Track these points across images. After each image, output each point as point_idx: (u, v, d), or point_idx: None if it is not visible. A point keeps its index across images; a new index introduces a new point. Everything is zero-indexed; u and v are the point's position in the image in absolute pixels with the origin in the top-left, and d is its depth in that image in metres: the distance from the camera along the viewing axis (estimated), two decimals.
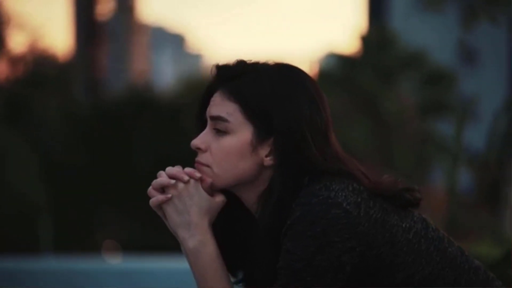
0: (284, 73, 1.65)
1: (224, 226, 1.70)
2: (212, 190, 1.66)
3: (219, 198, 1.67)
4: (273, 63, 1.68)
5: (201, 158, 1.65)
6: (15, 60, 24.53)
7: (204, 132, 1.66)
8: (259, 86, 1.63)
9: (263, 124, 1.62)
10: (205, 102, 1.70)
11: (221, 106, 1.64)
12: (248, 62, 1.68)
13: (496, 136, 4.95)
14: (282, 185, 1.61)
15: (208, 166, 1.65)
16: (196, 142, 1.66)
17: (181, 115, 21.63)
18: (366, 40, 20.27)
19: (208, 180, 1.65)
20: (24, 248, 14.40)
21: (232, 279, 1.73)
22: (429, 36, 23.75)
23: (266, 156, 1.63)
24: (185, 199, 1.65)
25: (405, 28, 22.46)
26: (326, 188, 1.58)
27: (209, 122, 1.66)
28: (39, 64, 25.62)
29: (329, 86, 19.96)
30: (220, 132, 1.64)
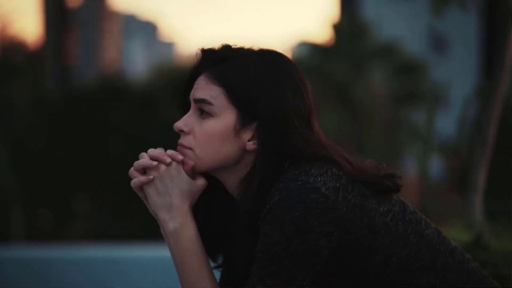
0: (269, 59, 1.66)
1: (204, 209, 1.71)
2: (193, 173, 1.67)
3: (200, 182, 1.67)
4: (258, 49, 1.69)
5: (184, 140, 1.66)
6: None
7: (187, 114, 1.67)
8: (244, 71, 1.63)
9: (247, 108, 1.63)
10: (189, 85, 1.70)
11: (205, 89, 1.65)
12: (233, 47, 1.68)
13: (466, 122, 4.98)
14: (263, 170, 1.61)
15: (190, 148, 1.65)
16: (179, 124, 1.66)
17: (153, 102, 21.58)
18: (338, 29, 20.32)
19: (190, 162, 1.65)
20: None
21: (212, 264, 1.73)
22: (401, 24, 23.86)
23: (249, 140, 1.64)
24: (166, 181, 1.65)
25: (377, 17, 22.53)
26: (305, 173, 1.58)
27: (192, 105, 1.67)
28: (8, 51, 25.38)
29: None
30: (204, 115, 1.65)
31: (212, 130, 1.64)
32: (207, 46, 1.71)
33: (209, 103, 1.64)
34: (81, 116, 21.63)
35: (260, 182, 1.61)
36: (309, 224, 1.55)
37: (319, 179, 1.58)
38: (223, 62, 1.65)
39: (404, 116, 18.06)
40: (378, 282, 1.60)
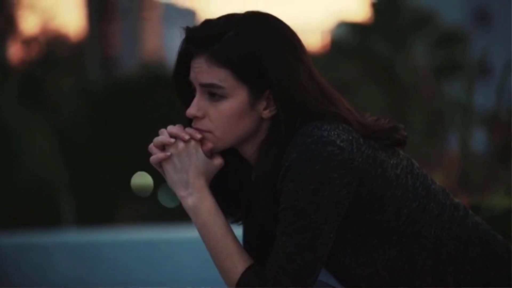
0: (259, 24, 1.66)
1: (221, 178, 1.74)
2: (211, 153, 1.69)
3: (218, 161, 1.70)
4: (244, 15, 1.67)
5: (201, 125, 1.68)
6: (27, 42, 24.59)
7: (196, 99, 1.68)
8: (242, 45, 1.64)
9: (256, 81, 1.65)
10: (182, 67, 1.70)
11: (210, 73, 1.65)
12: (218, 20, 1.67)
13: (505, 90, 4.95)
14: (281, 133, 1.65)
15: (209, 131, 1.67)
16: (192, 110, 1.68)
17: None
18: (377, 5, 20.15)
19: (209, 145, 1.68)
20: (45, 223, 14.55)
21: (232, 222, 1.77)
22: None
23: (264, 109, 1.67)
24: (184, 158, 1.68)
25: None
26: (318, 129, 1.62)
27: (199, 88, 1.67)
28: (52, 45, 25.66)
29: (343, 55, 19.88)
30: (216, 97, 1.66)
31: (228, 111, 1.65)
32: (191, 25, 1.69)
33: (219, 87, 1.64)
34: (124, 105, 21.82)
35: (279, 144, 1.64)
36: (330, 176, 1.58)
37: (332, 133, 1.61)
38: (217, 39, 1.64)
39: (446, 89, 17.88)
40: (389, 233, 1.63)
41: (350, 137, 1.62)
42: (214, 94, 1.65)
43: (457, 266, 1.65)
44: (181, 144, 1.68)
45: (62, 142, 20.06)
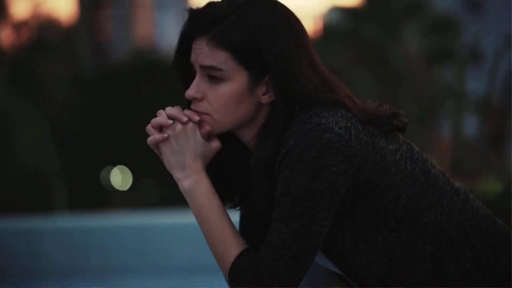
0: (262, 8, 1.65)
1: (218, 161, 1.73)
2: (209, 136, 1.69)
3: (215, 144, 1.69)
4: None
5: (199, 107, 1.67)
6: (18, 26, 24.49)
7: (196, 81, 1.67)
8: (244, 28, 1.63)
9: (257, 65, 1.64)
10: (183, 49, 1.70)
11: (210, 56, 1.65)
12: (222, 2, 1.66)
13: (497, 74, 4.96)
14: (279, 119, 1.65)
15: (207, 114, 1.67)
16: (191, 92, 1.67)
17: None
18: None
19: (207, 127, 1.67)
20: (37, 209, 14.56)
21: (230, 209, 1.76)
22: None
23: (263, 94, 1.66)
24: (181, 140, 1.68)
25: None
26: (316, 116, 1.62)
27: (199, 70, 1.67)
28: (42, 30, 25.57)
29: (335, 40, 19.88)
30: (215, 80, 1.65)
31: (227, 94, 1.64)
32: (195, 7, 1.67)
33: (219, 69, 1.64)
34: (116, 92, 21.79)
35: (277, 130, 1.63)
36: (327, 163, 1.58)
37: (330, 120, 1.61)
38: (219, 22, 1.64)
39: (438, 75, 17.92)
40: (388, 220, 1.63)
41: (349, 124, 1.62)
42: (214, 76, 1.65)
43: (457, 252, 1.65)
44: (178, 126, 1.68)
45: (53, 128, 20.03)
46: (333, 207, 1.60)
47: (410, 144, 1.70)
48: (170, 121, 1.68)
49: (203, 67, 1.66)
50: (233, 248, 1.65)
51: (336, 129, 1.60)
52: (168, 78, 22.05)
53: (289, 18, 1.67)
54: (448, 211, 1.66)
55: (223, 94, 1.65)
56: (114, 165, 20.69)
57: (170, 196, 17.10)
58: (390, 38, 19.15)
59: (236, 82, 1.64)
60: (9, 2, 24.63)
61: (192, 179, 1.67)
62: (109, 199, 19.59)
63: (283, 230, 1.60)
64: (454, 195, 1.68)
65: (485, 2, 24.34)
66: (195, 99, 1.67)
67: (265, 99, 1.66)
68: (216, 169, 1.73)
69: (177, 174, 1.68)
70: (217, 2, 1.67)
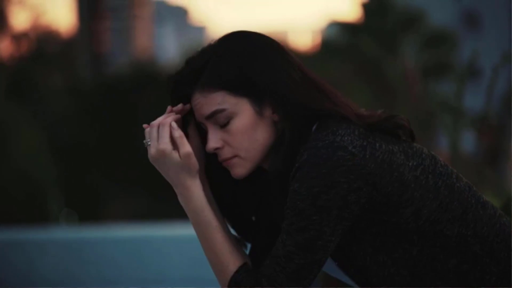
0: (238, 40, 1.69)
1: (235, 189, 1.75)
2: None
3: (185, 150, 1.67)
4: (220, 39, 1.70)
5: (224, 154, 1.69)
6: (18, 37, 24.52)
7: (210, 133, 1.69)
8: (228, 64, 1.66)
9: (254, 91, 1.66)
10: (185, 114, 1.72)
11: (208, 103, 1.67)
12: (197, 54, 1.70)
13: (494, 91, 4.99)
14: (290, 134, 1.66)
15: (234, 156, 1.69)
16: (211, 144, 1.69)
17: None
18: (367, 5, 20.21)
19: (240, 170, 1.69)
20: (34, 220, 14.53)
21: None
22: None
23: (273, 113, 1.69)
24: (160, 164, 1.71)
25: None
26: (332, 133, 1.63)
27: (207, 122, 1.69)
28: (42, 41, 25.60)
29: (332, 54, 19.92)
30: (224, 122, 1.68)
31: (241, 128, 1.66)
32: (174, 74, 1.72)
33: (222, 110, 1.65)
34: (114, 103, 21.79)
35: (288, 144, 1.65)
36: (336, 180, 1.58)
37: (346, 138, 1.62)
38: (202, 70, 1.67)
39: (435, 90, 17.95)
40: (409, 233, 1.62)
41: (365, 143, 1.63)
42: (221, 120, 1.67)
43: (482, 266, 1.63)
44: (151, 151, 1.70)
45: (51, 139, 20.02)
46: (341, 223, 1.60)
47: (434, 157, 1.69)
48: (148, 142, 1.71)
49: (208, 117, 1.68)
50: (230, 262, 1.65)
51: (350, 147, 1.61)
52: (165, 89, 22.03)
53: (265, 40, 1.69)
54: (473, 225, 1.65)
55: (237, 130, 1.67)
56: (111, 175, 20.66)
57: (165, 208, 17.10)
58: (387, 53, 19.21)
59: (243, 113, 1.66)
60: (9, 13, 24.68)
61: (182, 196, 1.69)
62: (106, 210, 19.57)
63: (287, 242, 1.61)
64: (480, 209, 1.67)
65: (483, 17, 24.43)
66: (217, 149, 1.69)
67: (275, 117, 1.68)
68: (233, 196, 1.75)
69: (175, 190, 1.71)
70: (193, 56, 1.71)
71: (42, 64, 23.73)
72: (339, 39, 20.55)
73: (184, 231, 6.43)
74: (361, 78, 19.32)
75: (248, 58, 1.66)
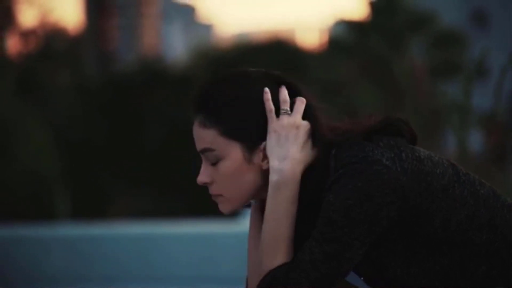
0: (232, 81, 1.68)
1: None
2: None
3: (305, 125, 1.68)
4: (227, 76, 1.70)
5: (212, 190, 1.70)
6: (25, 35, 24.58)
7: (203, 166, 1.70)
8: (225, 104, 1.66)
9: (246, 136, 1.66)
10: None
11: (201, 138, 1.68)
12: (207, 85, 1.69)
13: (502, 91, 4.96)
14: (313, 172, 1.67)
15: (220, 195, 1.69)
16: (201, 178, 1.70)
17: (193, 86, 21.69)
18: (375, 4, 20.18)
19: (227, 206, 1.69)
20: (40, 217, 14.56)
21: None
22: None
23: (262, 161, 1.67)
24: (291, 133, 1.68)
25: None
26: (360, 150, 1.63)
27: (201, 155, 1.70)
28: (49, 38, 25.65)
29: (340, 53, 19.91)
30: (214, 161, 1.68)
31: (227, 171, 1.66)
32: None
33: (211, 149, 1.66)
34: (121, 100, 21.82)
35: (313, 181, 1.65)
36: (371, 194, 1.58)
37: (376, 151, 1.62)
38: (205, 105, 1.68)
39: (443, 90, 17.92)
40: (439, 244, 1.63)
41: (392, 155, 1.63)
42: (211, 158, 1.67)
43: (509, 270, 1.63)
44: (297, 116, 1.68)
45: (58, 136, 20.06)
46: (370, 237, 1.60)
47: (455, 165, 1.68)
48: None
49: (200, 152, 1.69)
50: (279, 256, 1.64)
51: (384, 160, 1.61)
52: (174, 87, 22.08)
53: (257, 75, 1.69)
54: (501, 230, 1.64)
55: (224, 172, 1.67)
56: (117, 173, 20.70)
57: (170, 205, 17.11)
58: (395, 52, 19.18)
59: (231, 157, 1.66)
60: (17, 11, 24.73)
61: (282, 174, 1.66)
62: (112, 208, 19.60)
63: (315, 250, 1.61)
64: (506, 212, 1.66)
65: (491, 17, 24.38)
66: (205, 183, 1.70)
67: (265, 165, 1.67)
68: None
69: (275, 162, 1.66)
70: (205, 83, 1.71)
71: (50, 61, 23.78)
72: (347, 37, 20.54)
73: (189, 228, 6.42)
74: (369, 77, 19.31)
75: (245, 104, 1.66)
